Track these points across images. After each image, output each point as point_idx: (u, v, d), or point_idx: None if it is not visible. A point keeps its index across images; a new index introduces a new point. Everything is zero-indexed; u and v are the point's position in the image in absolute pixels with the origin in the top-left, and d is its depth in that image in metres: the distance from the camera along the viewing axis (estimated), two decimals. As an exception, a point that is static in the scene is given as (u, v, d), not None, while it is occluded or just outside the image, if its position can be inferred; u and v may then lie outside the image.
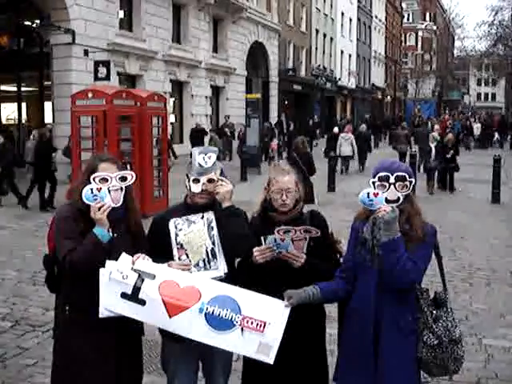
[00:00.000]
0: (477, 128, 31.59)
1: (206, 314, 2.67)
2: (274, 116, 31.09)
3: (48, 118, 17.82)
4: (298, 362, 2.97)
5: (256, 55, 29.52)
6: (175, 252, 2.99)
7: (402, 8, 64.61)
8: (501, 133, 32.56)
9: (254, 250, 2.89)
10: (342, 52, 43.55)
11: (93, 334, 2.81)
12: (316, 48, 38.06)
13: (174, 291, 2.71)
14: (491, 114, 43.60)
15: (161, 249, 2.96)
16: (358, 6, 47.06)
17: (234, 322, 2.67)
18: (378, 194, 2.68)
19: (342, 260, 3.06)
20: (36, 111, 19.28)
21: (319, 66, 38.27)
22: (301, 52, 35.72)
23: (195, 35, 23.14)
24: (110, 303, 2.71)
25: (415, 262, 2.65)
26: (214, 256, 3.01)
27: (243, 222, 3.03)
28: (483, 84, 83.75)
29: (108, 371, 2.84)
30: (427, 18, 69.38)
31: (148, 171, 10.98)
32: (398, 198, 2.69)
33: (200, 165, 2.98)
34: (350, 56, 45.54)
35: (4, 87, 20.40)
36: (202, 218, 3.03)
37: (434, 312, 2.74)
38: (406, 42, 66.95)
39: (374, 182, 2.72)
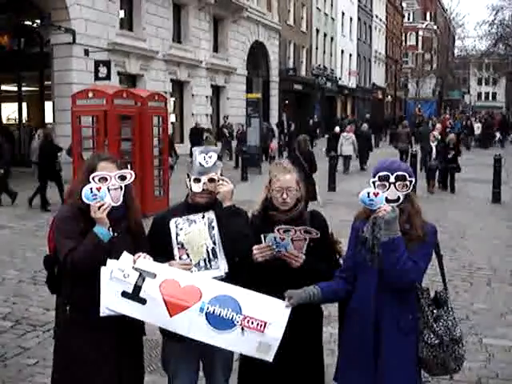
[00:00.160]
0: (477, 127, 31.59)
1: (206, 314, 2.67)
2: (274, 116, 31.12)
3: (48, 118, 17.84)
4: (294, 362, 2.97)
5: (256, 55, 29.53)
6: (176, 251, 2.99)
7: (402, 7, 64.61)
8: (502, 132, 32.56)
9: (254, 248, 2.89)
10: (342, 52, 43.55)
11: (93, 334, 2.81)
12: (316, 48, 38.06)
13: (175, 290, 2.71)
14: (492, 114, 43.56)
15: (161, 248, 2.96)
16: (359, 6, 47.05)
17: (235, 322, 2.67)
18: (378, 193, 2.68)
19: (341, 261, 3.06)
20: (36, 111, 19.29)
21: (320, 65, 38.26)
22: (301, 51, 35.73)
23: (196, 35, 23.15)
24: (111, 302, 2.71)
25: (415, 261, 2.65)
26: (215, 255, 3.01)
27: (244, 221, 3.03)
28: (484, 83, 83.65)
29: (109, 371, 2.84)
30: (428, 17, 69.37)
31: (148, 171, 10.99)
32: (398, 198, 2.69)
33: (201, 164, 2.98)
34: (350, 56, 45.53)
35: (4, 87, 20.42)
36: (203, 217, 3.03)
37: (435, 311, 2.74)
38: (406, 42, 66.92)
39: (374, 182, 2.72)
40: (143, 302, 2.69)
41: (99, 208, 2.73)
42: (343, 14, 43.35)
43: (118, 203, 2.82)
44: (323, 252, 3.01)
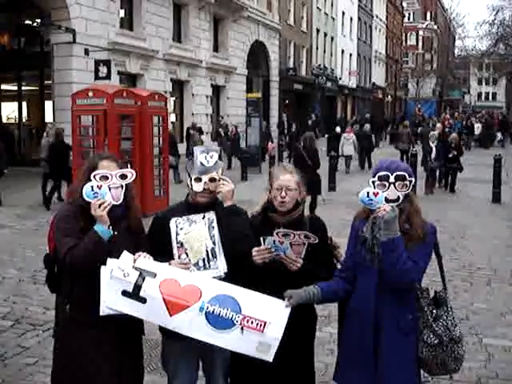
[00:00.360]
0: (477, 128, 31.57)
1: (206, 313, 2.68)
2: (274, 115, 31.11)
3: (48, 117, 17.84)
4: (285, 364, 2.92)
5: (257, 54, 29.53)
6: (175, 251, 2.99)
7: (402, 7, 64.58)
8: (503, 132, 32.54)
9: (253, 250, 2.89)
10: (342, 51, 43.54)
11: (93, 333, 2.81)
12: (317, 47, 38.05)
13: (175, 290, 2.71)
14: (492, 114, 43.54)
15: (161, 248, 2.96)
16: (359, 6, 47.03)
17: (235, 322, 2.68)
18: (377, 193, 2.68)
19: (338, 266, 3.06)
20: (36, 110, 19.30)
21: (320, 65, 38.24)
22: (301, 51, 35.72)
23: (196, 34, 23.15)
24: (111, 301, 2.71)
25: (415, 261, 2.65)
26: (214, 256, 3.01)
27: (244, 221, 3.03)
28: (484, 83, 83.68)
29: (109, 370, 2.84)
30: (428, 17, 69.34)
31: (149, 170, 10.99)
32: (398, 198, 2.70)
33: (202, 164, 2.98)
34: (350, 55, 45.52)
35: (4, 86, 20.42)
36: (203, 218, 3.03)
37: (434, 311, 2.74)
38: (406, 42, 66.91)
39: (373, 182, 2.73)
40: (143, 301, 2.69)
41: (100, 206, 2.73)
42: (343, 13, 43.33)
43: (119, 202, 2.83)
44: (321, 257, 3.00)
